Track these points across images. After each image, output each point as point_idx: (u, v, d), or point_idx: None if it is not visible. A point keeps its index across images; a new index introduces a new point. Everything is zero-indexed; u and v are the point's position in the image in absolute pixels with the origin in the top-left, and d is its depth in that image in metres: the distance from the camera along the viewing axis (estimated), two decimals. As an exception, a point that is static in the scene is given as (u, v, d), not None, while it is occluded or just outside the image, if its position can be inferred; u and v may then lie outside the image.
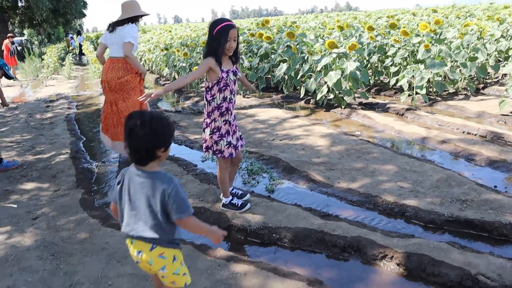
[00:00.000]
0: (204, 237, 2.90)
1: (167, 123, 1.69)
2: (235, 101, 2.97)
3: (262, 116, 6.23)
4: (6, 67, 4.78)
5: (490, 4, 16.92)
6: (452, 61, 6.66)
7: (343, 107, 6.32)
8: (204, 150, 3.04)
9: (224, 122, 2.91)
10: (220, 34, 2.71)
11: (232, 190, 3.30)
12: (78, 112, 7.97)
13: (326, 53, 6.44)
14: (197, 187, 3.66)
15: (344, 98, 6.25)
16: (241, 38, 8.86)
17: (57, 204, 3.50)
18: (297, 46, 7.33)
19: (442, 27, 7.77)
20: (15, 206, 3.54)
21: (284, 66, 7.31)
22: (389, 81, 7.29)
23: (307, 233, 2.76)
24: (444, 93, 6.74)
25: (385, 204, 3.16)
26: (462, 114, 5.70)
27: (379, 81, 8.21)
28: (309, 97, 7.15)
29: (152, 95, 2.59)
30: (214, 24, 2.75)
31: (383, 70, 7.83)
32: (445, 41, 7.09)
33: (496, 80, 7.50)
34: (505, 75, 7.59)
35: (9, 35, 15.26)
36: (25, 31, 32.79)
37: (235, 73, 2.90)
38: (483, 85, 7.12)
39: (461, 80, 6.82)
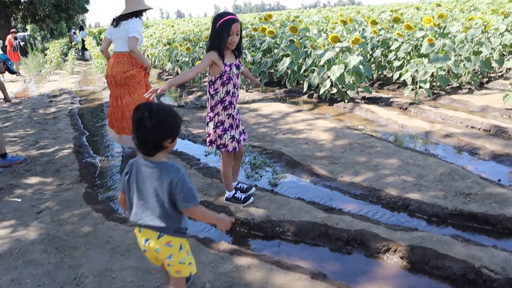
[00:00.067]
0: (208, 230, 2.96)
1: (174, 114, 1.72)
2: (238, 95, 2.96)
3: (265, 111, 6.22)
4: (9, 62, 4.78)
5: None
6: (456, 55, 6.61)
7: (346, 101, 6.30)
8: (207, 144, 3.03)
9: (228, 116, 2.91)
10: (223, 27, 2.70)
11: (238, 184, 3.30)
12: (81, 107, 7.99)
13: (329, 47, 6.42)
14: (200, 181, 3.66)
15: (347, 92, 6.23)
16: (244, 32, 8.83)
17: (61, 198, 3.52)
18: (300, 41, 7.31)
19: (446, 21, 7.71)
20: (19, 200, 3.56)
21: (287, 61, 7.29)
22: (392, 75, 7.26)
23: (311, 227, 2.76)
24: (447, 87, 6.71)
25: (389, 197, 3.16)
26: (466, 108, 5.67)
27: (382, 75, 8.17)
28: (312, 92, 7.13)
29: (158, 91, 2.57)
30: (217, 17, 2.74)
31: (387, 64, 7.80)
32: (449, 35, 7.04)
33: (500, 74, 7.45)
34: (509, 69, 7.53)
35: (12, 30, 15.24)
36: (28, 27, 32.84)
37: (238, 67, 2.89)
38: (487, 79, 7.07)
39: (465, 74, 6.79)
